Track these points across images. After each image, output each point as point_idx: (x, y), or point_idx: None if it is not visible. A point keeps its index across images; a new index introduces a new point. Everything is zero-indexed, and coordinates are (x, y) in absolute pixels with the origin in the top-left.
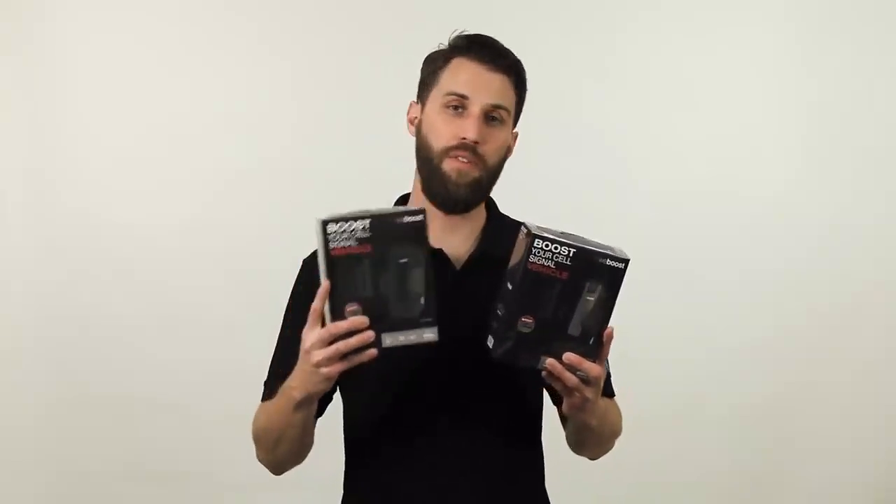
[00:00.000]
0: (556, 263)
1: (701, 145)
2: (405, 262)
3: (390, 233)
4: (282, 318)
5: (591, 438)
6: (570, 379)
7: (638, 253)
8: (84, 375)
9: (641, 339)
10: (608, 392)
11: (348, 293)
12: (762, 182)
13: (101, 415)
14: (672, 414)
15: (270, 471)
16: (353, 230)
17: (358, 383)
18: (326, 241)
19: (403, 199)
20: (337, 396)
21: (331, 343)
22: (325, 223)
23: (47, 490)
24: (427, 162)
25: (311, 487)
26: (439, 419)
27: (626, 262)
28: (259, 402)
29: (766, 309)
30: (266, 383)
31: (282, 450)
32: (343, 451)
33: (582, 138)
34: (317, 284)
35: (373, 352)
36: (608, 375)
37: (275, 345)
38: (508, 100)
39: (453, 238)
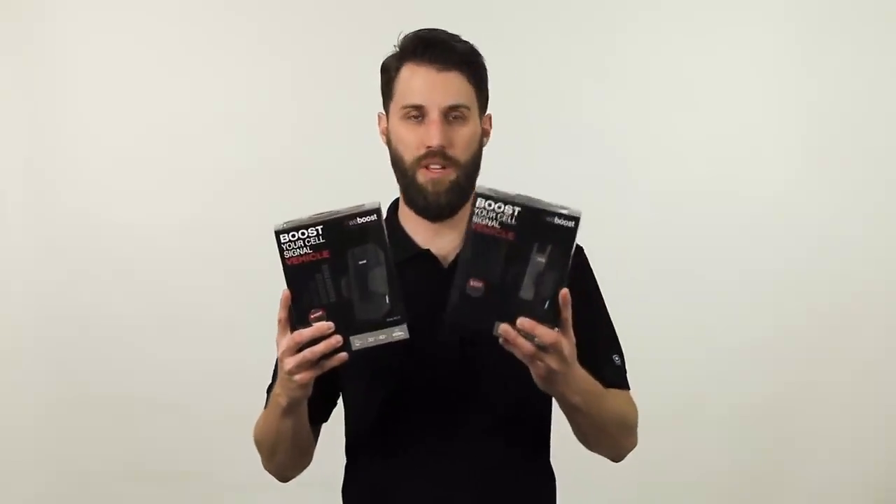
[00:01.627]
0: (501, 223)
1: (701, 145)
2: (364, 264)
3: (345, 236)
4: None
5: (582, 421)
6: (525, 345)
7: (638, 253)
8: (84, 375)
9: (641, 339)
10: (620, 384)
11: (311, 300)
12: (762, 182)
13: (101, 415)
14: (672, 414)
15: (276, 478)
16: (307, 238)
17: (350, 387)
18: (282, 251)
19: (397, 203)
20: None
21: (299, 351)
22: (277, 233)
23: (47, 490)
24: (402, 174)
25: (312, 487)
26: (432, 422)
27: (577, 219)
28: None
29: (766, 309)
30: (267, 390)
31: (279, 458)
32: (341, 452)
33: (582, 138)
34: None
35: (343, 355)
36: (621, 368)
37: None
38: (466, 96)
39: (442, 239)
